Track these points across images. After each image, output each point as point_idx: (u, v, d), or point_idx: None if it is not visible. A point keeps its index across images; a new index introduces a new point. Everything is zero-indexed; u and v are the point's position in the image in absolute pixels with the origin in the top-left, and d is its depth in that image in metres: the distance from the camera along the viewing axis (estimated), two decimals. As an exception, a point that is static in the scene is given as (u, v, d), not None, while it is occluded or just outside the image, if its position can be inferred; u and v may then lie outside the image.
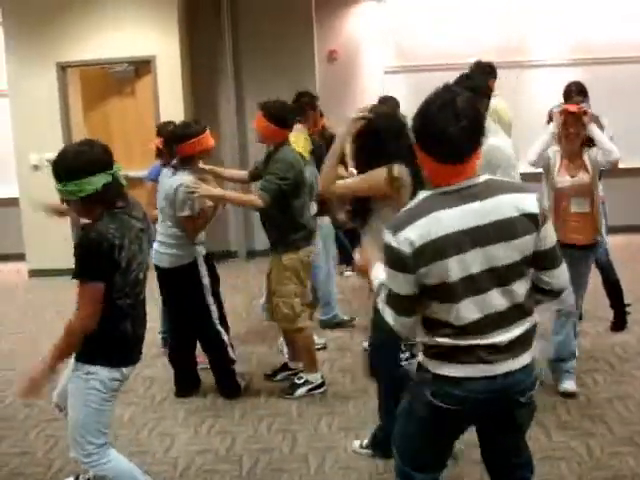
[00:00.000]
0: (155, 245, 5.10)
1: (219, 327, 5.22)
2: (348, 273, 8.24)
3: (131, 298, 3.37)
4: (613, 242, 6.47)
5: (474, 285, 2.50)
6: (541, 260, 2.58)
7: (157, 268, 5.16)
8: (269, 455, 4.35)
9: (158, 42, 9.17)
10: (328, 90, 9.55)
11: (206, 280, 5.15)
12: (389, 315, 2.62)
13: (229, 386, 5.26)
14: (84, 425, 3.37)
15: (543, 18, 9.89)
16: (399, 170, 3.78)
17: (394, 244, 2.49)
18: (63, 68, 9.33)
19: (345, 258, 8.03)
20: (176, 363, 5.36)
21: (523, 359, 2.61)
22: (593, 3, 9.84)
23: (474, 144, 2.48)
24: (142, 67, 9.61)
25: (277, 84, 9.01)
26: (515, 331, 2.57)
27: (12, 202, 9.59)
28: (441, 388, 2.60)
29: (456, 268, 2.47)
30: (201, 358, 5.69)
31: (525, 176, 4.69)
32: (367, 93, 9.94)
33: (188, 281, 5.12)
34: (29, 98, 9.18)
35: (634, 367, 5.39)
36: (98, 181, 3.21)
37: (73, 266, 3.22)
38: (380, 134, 3.88)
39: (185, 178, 4.91)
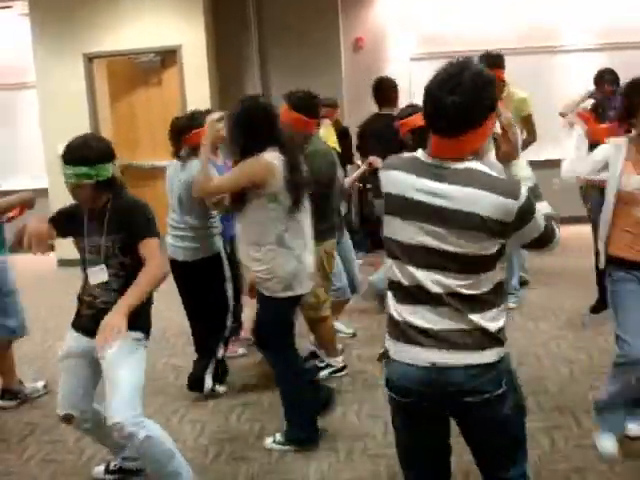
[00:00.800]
0: (171, 240, 5.07)
1: (229, 322, 5.21)
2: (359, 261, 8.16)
3: None
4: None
5: (403, 251, 2.50)
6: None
7: (174, 262, 5.05)
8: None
9: (184, 32, 9.21)
10: (354, 79, 9.54)
11: (228, 272, 5.15)
12: None
13: (195, 376, 5.13)
14: (138, 390, 3.50)
15: (570, 3, 9.81)
16: (271, 156, 3.98)
17: (382, 179, 2.60)
18: (90, 59, 9.41)
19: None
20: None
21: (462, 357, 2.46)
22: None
23: (468, 121, 2.36)
24: (168, 57, 9.65)
25: (303, 73, 9.03)
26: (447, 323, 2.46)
27: (41, 193, 9.65)
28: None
29: (399, 229, 2.51)
30: (231, 347, 5.74)
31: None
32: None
33: (211, 274, 5.09)
34: (57, 89, 9.25)
35: None
36: (110, 168, 3.53)
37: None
38: (247, 125, 4.02)
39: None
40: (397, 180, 2.49)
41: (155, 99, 9.77)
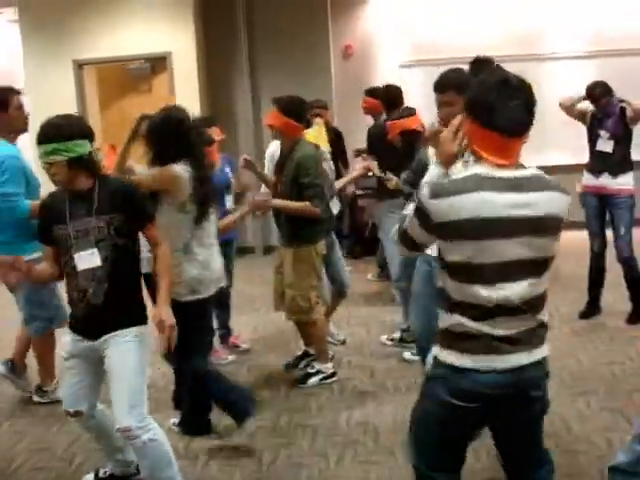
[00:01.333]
0: None
1: None
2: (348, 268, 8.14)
3: None
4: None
5: (496, 272, 2.48)
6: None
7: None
8: (288, 451, 4.36)
9: (174, 38, 9.21)
10: (344, 85, 9.58)
11: None
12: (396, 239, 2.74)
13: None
14: (143, 388, 3.48)
15: (560, 11, 9.87)
16: (179, 169, 4.08)
17: (427, 206, 2.48)
18: (80, 65, 9.41)
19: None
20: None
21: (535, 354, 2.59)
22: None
23: (530, 121, 2.52)
24: (158, 64, 9.66)
25: (293, 80, 9.05)
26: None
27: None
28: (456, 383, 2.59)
29: (491, 252, 2.46)
30: (219, 353, 5.75)
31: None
32: (383, 88, 9.96)
33: None
34: (46, 96, 9.21)
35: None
36: (86, 146, 3.41)
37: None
38: (160, 135, 4.16)
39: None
40: (473, 203, 2.42)
41: (145, 106, 9.63)
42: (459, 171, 2.60)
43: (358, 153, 8.07)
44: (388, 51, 10.18)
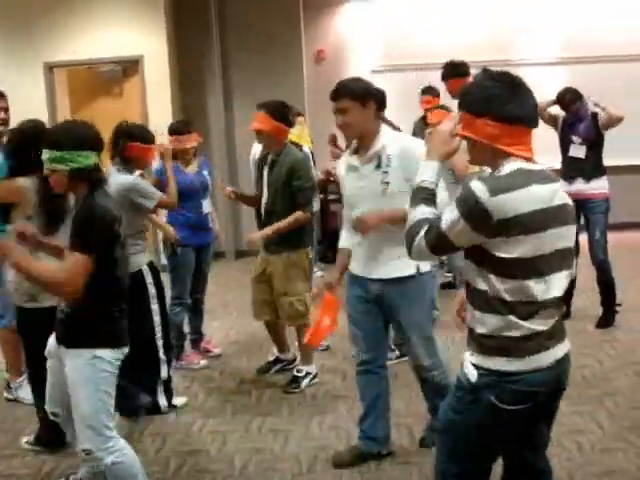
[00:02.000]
0: None
1: (160, 342, 4.93)
2: (320, 273, 8.19)
3: (126, 276, 3.44)
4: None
5: (544, 264, 2.48)
6: None
7: None
8: (261, 455, 4.34)
9: (145, 42, 9.17)
10: (316, 90, 9.57)
11: (153, 290, 4.87)
12: (421, 241, 2.57)
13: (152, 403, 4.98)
14: (100, 410, 3.32)
15: (531, 16, 9.97)
16: (24, 181, 4.14)
17: (486, 206, 2.38)
18: (51, 68, 9.31)
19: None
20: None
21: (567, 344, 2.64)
22: (581, 1, 9.92)
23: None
24: (130, 67, 9.61)
25: (265, 83, 9.07)
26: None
27: None
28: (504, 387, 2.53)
29: (544, 243, 2.46)
30: (191, 357, 5.74)
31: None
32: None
33: (133, 292, 4.88)
34: (16, 99, 9.06)
35: (622, 364, 5.43)
36: (90, 158, 3.28)
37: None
38: (16, 147, 4.28)
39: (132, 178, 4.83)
40: (532, 196, 2.42)
41: (117, 109, 9.69)
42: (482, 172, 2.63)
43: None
44: (360, 56, 10.21)
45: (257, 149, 6.07)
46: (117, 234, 3.27)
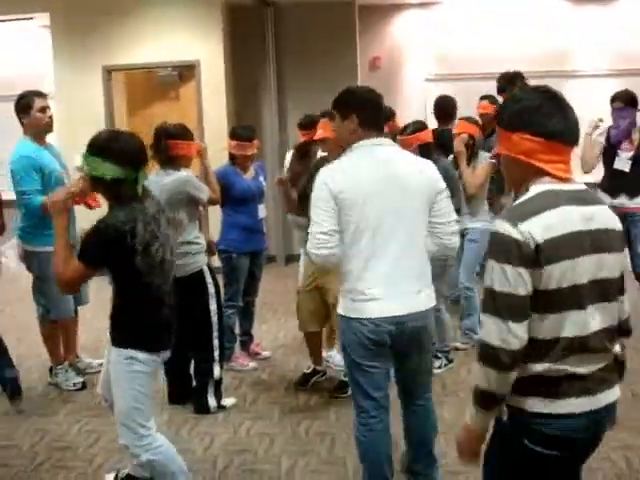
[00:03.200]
0: None
1: (216, 341, 5.03)
2: None
3: (165, 281, 3.47)
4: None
5: (579, 296, 2.27)
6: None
7: None
8: (307, 458, 4.38)
9: (202, 47, 9.28)
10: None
11: (212, 289, 5.01)
12: (493, 329, 2.24)
13: (198, 401, 5.09)
14: (135, 409, 3.44)
15: (587, 28, 9.87)
16: None
17: (516, 236, 2.21)
18: (109, 72, 9.48)
19: None
20: (170, 372, 5.16)
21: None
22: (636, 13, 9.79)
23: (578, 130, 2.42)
24: (186, 72, 9.72)
25: (319, 89, 9.09)
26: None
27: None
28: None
29: (578, 271, 2.25)
30: (240, 359, 5.80)
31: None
32: (409, 101, 10.02)
33: (194, 292, 4.96)
34: (75, 101, 9.34)
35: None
36: (114, 170, 3.31)
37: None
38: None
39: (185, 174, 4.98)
40: (561, 217, 2.26)
41: (172, 113, 9.80)
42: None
43: None
44: (415, 64, 10.23)
45: (288, 157, 6.22)
46: (132, 247, 3.27)
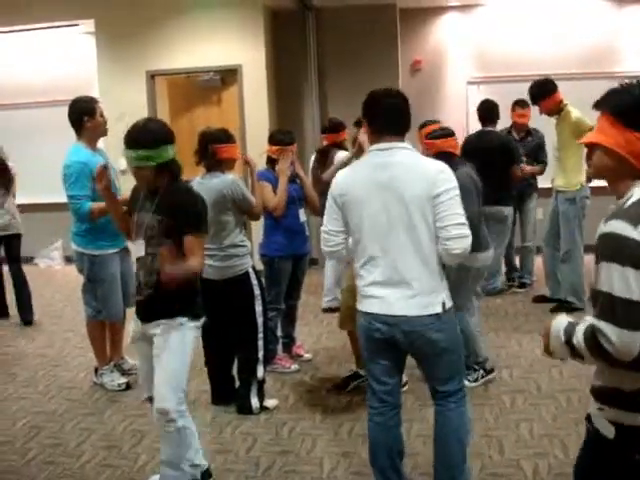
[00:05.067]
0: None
1: (261, 342, 5.11)
2: None
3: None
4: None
5: None
6: None
7: (206, 281, 4.87)
8: (349, 459, 4.38)
9: (244, 52, 9.36)
10: (411, 100, 9.57)
11: (257, 290, 5.09)
12: (612, 334, 2.09)
13: (241, 401, 5.13)
14: (182, 373, 3.71)
15: (629, 28, 9.78)
16: None
17: (638, 237, 2.09)
18: (152, 76, 9.60)
19: None
20: (214, 373, 5.32)
21: None
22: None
23: None
24: (228, 76, 9.81)
25: (360, 93, 9.05)
26: None
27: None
28: None
29: None
30: (283, 361, 5.83)
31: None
32: (450, 103, 10.00)
33: (241, 293, 5.06)
34: (119, 105, 9.42)
35: None
36: (171, 151, 3.71)
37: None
38: None
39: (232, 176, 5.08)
40: None
41: (215, 117, 9.92)
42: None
43: None
44: (456, 67, 10.21)
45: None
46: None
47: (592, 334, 2.14)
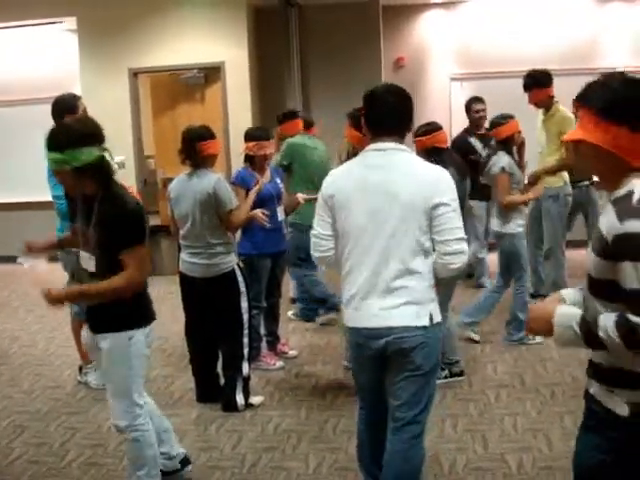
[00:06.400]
0: (186, 256, 5.10)
1: (246, 339, 5.12)
2: None
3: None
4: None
5: None
6: None
7: (190, 279, 5.14)
8: (335, 455, 4.39)
9: (227, 49, 9.35)
10: (394, 97, 9.60)
11: (243, 287, 5.11)
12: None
13: (227, 399, 5.13)
14: (134, 388, 3.58)
15: (612, 25, 9.84)
16: None
17: None
18: (135, 74, 9.58)
19: None
20: (199, 370, 5.33)
21: None
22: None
23: None
24: (211, 74, 9.78)
25: (343, 90, 9.15)
26: None
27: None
28: None
29: None
30: (267, 358, 5.84)
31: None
32: (433, 100, 10.03)
33: (227, 290, 5.08)
34: (101, 103, 9.38)
35: None
36: (92, 153, 3.34)
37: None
38: None
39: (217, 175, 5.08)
40: None
41: (197, 115, 9.86)
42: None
43: None
44: (439, 63, 10.25)
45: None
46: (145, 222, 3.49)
47: (631, 329, 2.15)
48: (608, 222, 2.23)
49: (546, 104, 6.91)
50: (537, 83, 6.81)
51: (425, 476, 3.65)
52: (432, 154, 5.08)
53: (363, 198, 3.22)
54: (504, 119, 6.03)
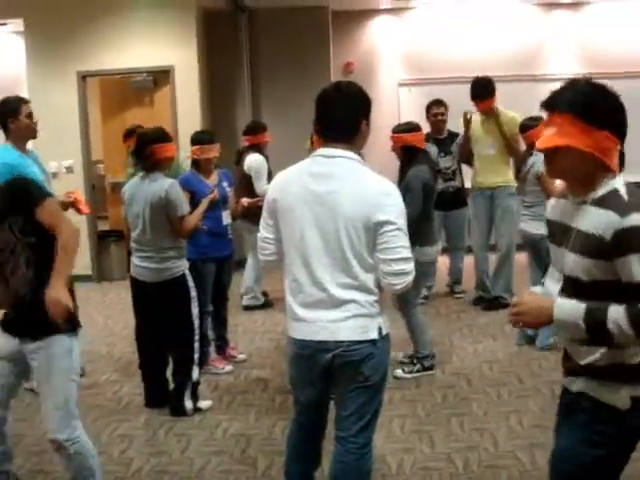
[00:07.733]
0: (136, 260, 5.08)
1: (197, 344, 5.11)
2: None
3: None
4: None
5: None
6: None
7: (140, 283, 5.11)
8: (283, 457, 4.39)
9: (177, 52, 9.31)
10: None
11: (193, 292, 5.09)
12: None
13: (175, 403, 5.10)
14: (72, 400, 3.44)
15: (557, 32, 10.03)
16: None
17: None
18: (83, 77, 9.48)
19: None
20: (148, 375, 5.30)
21: None
22: (606, 18, 9.96)
23: None
24: (160, 77, 9.75)
25: (293, 94, 9.18)
26: None
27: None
28: None
29: None
30: (216, 362, 5.84)
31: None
32: (381, 105, 10.08)
33: (177, 295, 5.05)
34: (49, 106, 9.29)
35: None
36: None
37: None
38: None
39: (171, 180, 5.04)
40: None
41: (147, 118, 9.79)
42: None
43: None
44: (387, 69, 10.35)
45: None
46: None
47: None
48: (601, 220, 2.26)
49: (493, 110, 7.04)
50: (487, 93, 6.97)
51: (373, 477, 3.68)
52: (410, 152, 5.25)
53: (306, 208, 3.05)
54: (534, 121, 5.88)
